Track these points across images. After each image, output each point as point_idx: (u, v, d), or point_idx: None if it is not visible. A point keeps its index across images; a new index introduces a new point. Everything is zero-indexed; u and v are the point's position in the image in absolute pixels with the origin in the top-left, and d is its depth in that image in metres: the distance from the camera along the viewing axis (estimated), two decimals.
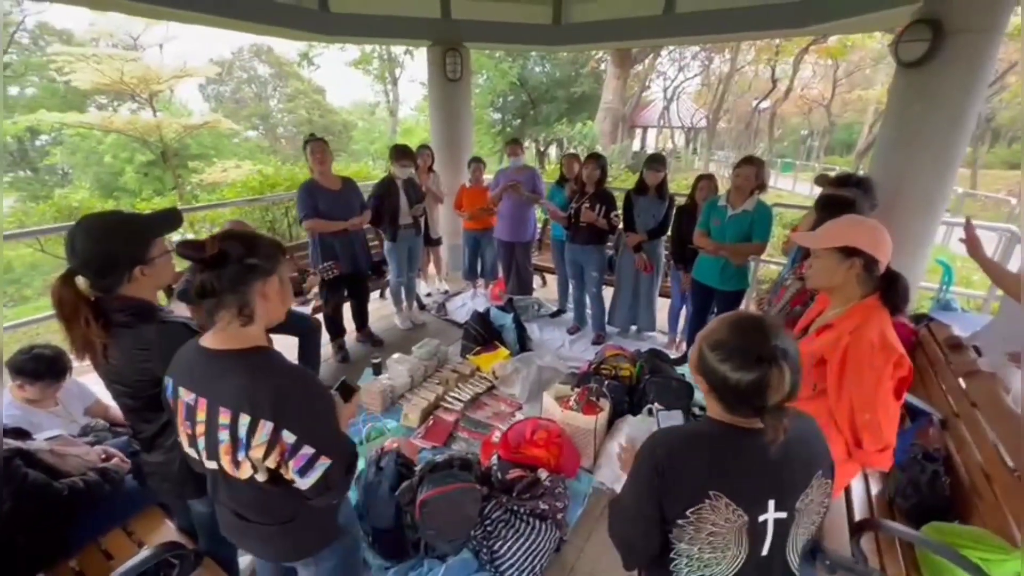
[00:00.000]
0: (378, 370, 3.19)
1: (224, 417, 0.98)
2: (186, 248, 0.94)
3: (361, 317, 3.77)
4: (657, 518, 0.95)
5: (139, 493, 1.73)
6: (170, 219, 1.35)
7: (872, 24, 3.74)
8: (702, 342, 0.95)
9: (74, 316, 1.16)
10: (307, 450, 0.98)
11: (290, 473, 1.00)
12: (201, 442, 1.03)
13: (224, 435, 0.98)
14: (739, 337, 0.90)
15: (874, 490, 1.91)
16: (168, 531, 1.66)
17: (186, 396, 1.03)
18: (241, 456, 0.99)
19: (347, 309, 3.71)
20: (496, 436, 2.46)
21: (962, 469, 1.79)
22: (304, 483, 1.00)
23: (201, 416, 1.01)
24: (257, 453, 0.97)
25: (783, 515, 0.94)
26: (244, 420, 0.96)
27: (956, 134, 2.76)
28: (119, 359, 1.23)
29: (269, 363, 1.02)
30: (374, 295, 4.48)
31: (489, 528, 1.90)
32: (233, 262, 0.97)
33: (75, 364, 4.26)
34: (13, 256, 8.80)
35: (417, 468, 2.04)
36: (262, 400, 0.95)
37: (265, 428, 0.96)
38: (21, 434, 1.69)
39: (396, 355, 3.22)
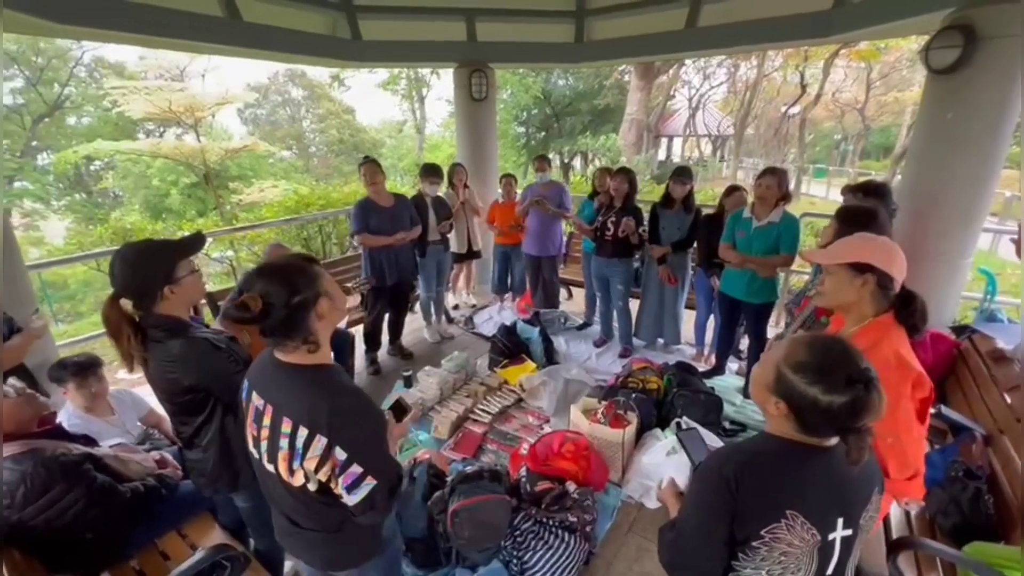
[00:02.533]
0: (409, 383, 3.29)
1: (286, 426, 1.04)
2: (234, 313, 0.99)
3: (397, 329, 3.89)
4: (726, 537, 0.93)
5: (191, 498, 1.85)
6: (193, 242, 1.51)
7: (899, 31, 3.67)
8: (779, 365, 0.92)
9: (119, 333, 1.31)
10: (355, 468, 1.02)
11: (339, 488, 1.04)
12: (264, 445, 1.10)
13: (284, 443, 1.05)
14: (824, 358, 0.88)
15: (913, 508, 1.86)
16: (218, 534, 1.78)
17: (257, 401, 1.10)
18: (296, 465, 1.05)
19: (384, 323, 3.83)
20: (524, 448, 2.50)
21: (1007, 487, 1.73)
22: (351, 499, 1.04)
23: (267, 421, 1.08)
24: (310, 465, 1.03)
25: (849, 532, 0.94)
26: (303, 432, 1.02)
27: (994, 141, 2.68)
28: (155, 370, 1.38)
29: (331, 381, 1.07)
30: None
31: (519, 539, 1.94)
32: (280, 308, 1.01)
33: (126, 375, 4.49)
34: (68, 274, 9.42)
35: (448, 479, 2.10)
36: (320, 416, 1.01)
37: (320, 443, 1.01)
38: (89, 441, 1.84)
39: (426, 368, 3.31)
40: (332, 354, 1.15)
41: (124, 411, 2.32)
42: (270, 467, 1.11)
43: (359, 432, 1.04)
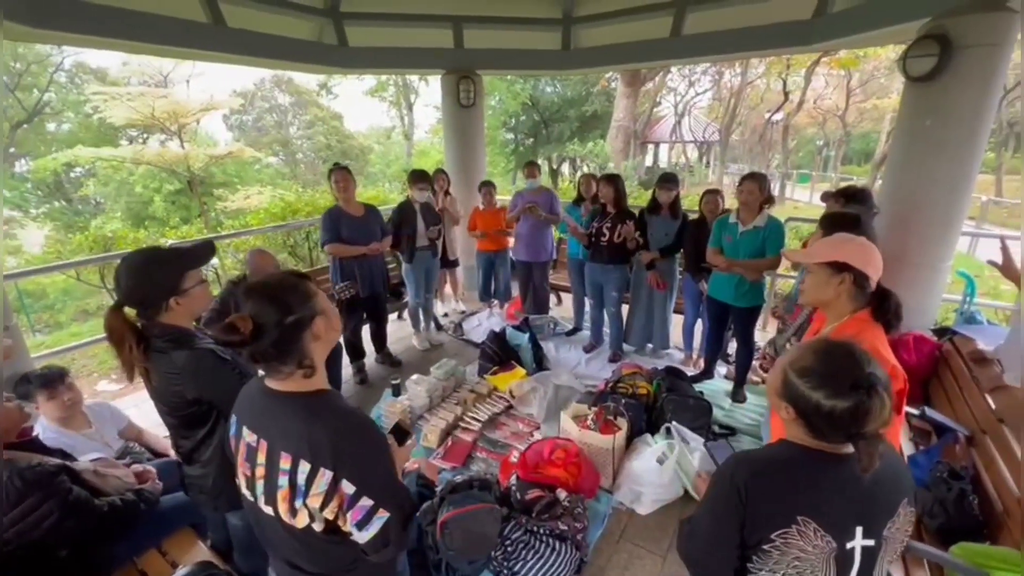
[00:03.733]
0: (397, 391, 3.25)
1: (285, 462, 0.94)
2: (223, 334, 0.91)
3: (380, 339, 3.85)
4: (736, 542, 0.93)
5: (173, 514, 1.80)
6: (202, 251, 1.48)
7: (879, 40, 3.76)
8: (785, 369, 0.94)
9: (121, 342, 1.27)
10: (366, 502, 0.93)
11: (348, 525, 0.95)
12: (260, 485, 0.99)
13: (283, 480, 0.95)
14: (829, 364, 0.90)
15: None
16: (200, 551, 1.73)
17: (249, 437, 1.01)
18: (299, 504, 0.95)
19: (365, 332, 3.80)
20: (514, 456, 2.48)
21: (991, 487, 1.75)
22: (362, 536, 0.95)
23: (261, 459, 0.98)
24: (315, 502, 0.94)
25: (871, 543, 0.92)
26: (304, 467, 0.93)
27: (970, 146, 2.74)
28: (158, 381, 1.35)
29: (331, 408, 0.98)
30: (392, 316, 4.58)
31: (509, 549, 1.92)
32: (272, 330, 0.92)
33: (106, 387, 4.39)
34: (47, 283, 9.18)
35: (438, 489, 2.08)
36: (322, 448, 0.92)
37: (324, 477, 0.92)
38: (65, 456, 1.78)
39: (415, 376, 3.28)
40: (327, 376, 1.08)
41: (102, 424, 2.25)
42: (268, 509, 1.00)
43: (367, 462, 0.95)
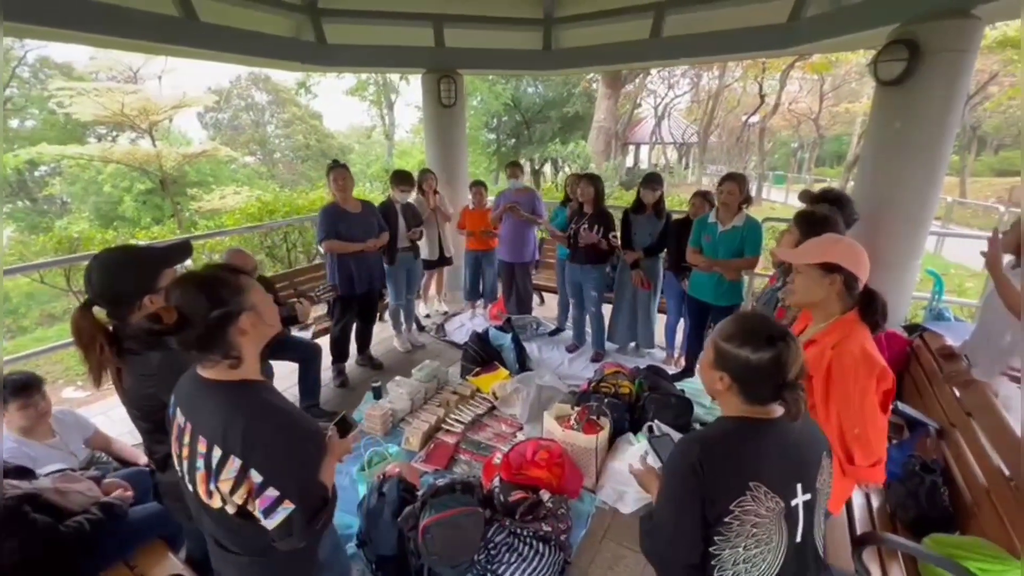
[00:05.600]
0: (378, 394, 3.20)
1: (202, 446, 0.99)
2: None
3: (365, 339, 3.79)
4: (699, 521, 0.98)
5: (142, 525, 1.73)
6: (179, 251, 1.44)
7: (851, 44, 3.86)
8: (715, 340, 1.05)
9: (91, 343, 1.23)
10: (271, 492, 0.97)
11: (256, 511, 0.99)
12: (184, 465, 1.05)
13: (200, 463, 1.00)
14: (747, 324, 1.02)
15: (875, 503, 1.92)
16: (171, 564, 1.66)
17: (179, 418, 1.05)
18: (212, 486, 1.00)
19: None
20: (498, 458, 2.46)
21: (960, 479, 1.80)
22: (268, 523, 0.99)
23: (186, 440, 1.03)
24: (225, 487, 0.98)
25: (808, 497, 1.01)
26: (216, 453, 0.97)
27: (938, 148, 2.84)
28: (130, 384, 1.31)
29: (250, 399, 1.01)
30: None
31: (492, 552, 1.90)
32: (198, 321, 0.95)
33: (71, 395, 4.22)
34: (10, 286, 8.79)
35: (419, 493, 2.04)
36: (233, 436, 0.96)
37: (233, 464, 0.96)
38: (24, 473, 1.68)
39: (396, 378, 3.23)
40: (259, 367, 1.08)
41: (67, 433, 2.15)
42: (190, 487, 1.06)
43: (277, 455, 0.98)
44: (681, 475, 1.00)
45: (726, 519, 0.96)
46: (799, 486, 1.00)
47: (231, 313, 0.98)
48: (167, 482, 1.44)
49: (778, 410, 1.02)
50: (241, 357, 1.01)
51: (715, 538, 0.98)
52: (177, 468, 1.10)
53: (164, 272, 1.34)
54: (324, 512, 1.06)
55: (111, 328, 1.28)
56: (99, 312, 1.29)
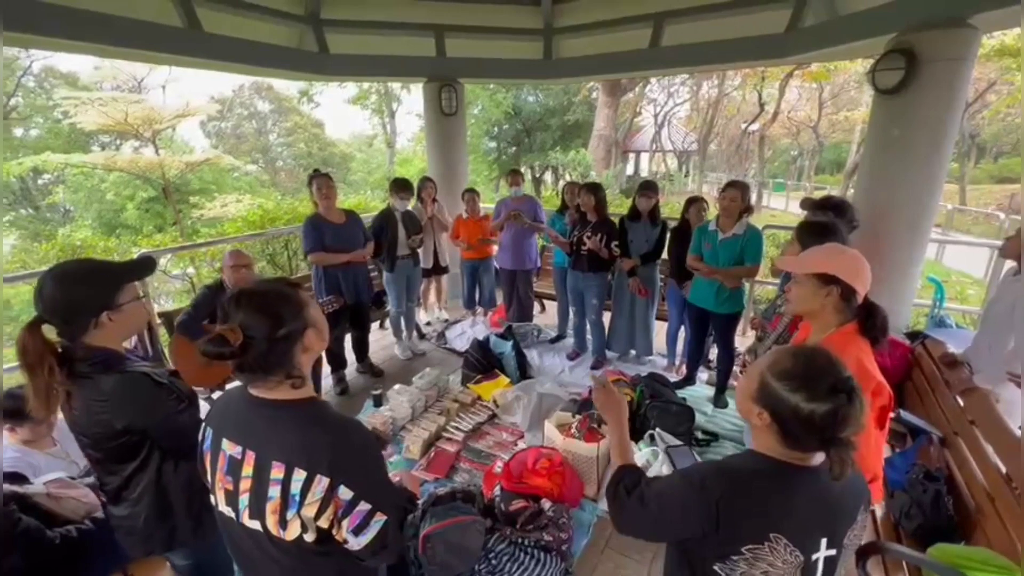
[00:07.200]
0: (379, 402, 3.19)
1: (277, 471, 0.91)
2: (212, 347, 0.87)
3: (361, 348, 3.79)
4: (686, 536, 0.95)
5: None
6: (141, 266, 1.36)
7: (849, 53, 3.90)
8: (763, 373, 0.91)
9: (38, 364, 1.11)
10: (363, 506, 0.92)
11: (343, 533, 0.94)
12: (245, 499, 0.94)
13: (274, 491, 0.91)
14: (809, 367, 0.88)
15: (879, 512, 1.91)
16: None
17: (231, 449, 0.96)
18: (291, 514, 0.92)
19: (347, 340, 3.73)
20: (498, 466, 2.45)
21: (964, 488, 1.79)
22: (358, 542, 0.94)
23: (247, 471, 0.94)
24: (310, 511, 0.91)
25: (833, 552, 0.92)
26: (299, 475, 0.90)
27: (936, 156, 2.85)
28: (80, 410, 1.19)
29: (327, 416, 0.97)
30: (374, 325, 4.50)
31: (494, 562, 1.88)
32: (262, 342, 0.90)
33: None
34: (12, 294, 8.78)
35: (420, 502, 2.03)
36: (318, 454, 0.90)
37: (320, 484, 0.90)
38: (17, 479, 1.66)
39: (397, 386, 3.23)
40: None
41: (67, 440, 2.14)
42: (253, 524, 0.95)
43: (362, 465, 0.95)
44: (696, 494, 0.92)
45: (734, 557, 0.89)
46: (824, 541, 0.90)
47: (295, 332, 0.93)
48: (119, 515, 1.32)
49: (819, 457, 0.90)
50: (304, 376, 0.96)
51: (715, 566, 0.91)
52: (226, 508, 0.99)
53: (125, 287, 1.24)
54: (406, 519, 1.03)
55: (61, 349, 1.17)
56: (49, 331, 1.16)
